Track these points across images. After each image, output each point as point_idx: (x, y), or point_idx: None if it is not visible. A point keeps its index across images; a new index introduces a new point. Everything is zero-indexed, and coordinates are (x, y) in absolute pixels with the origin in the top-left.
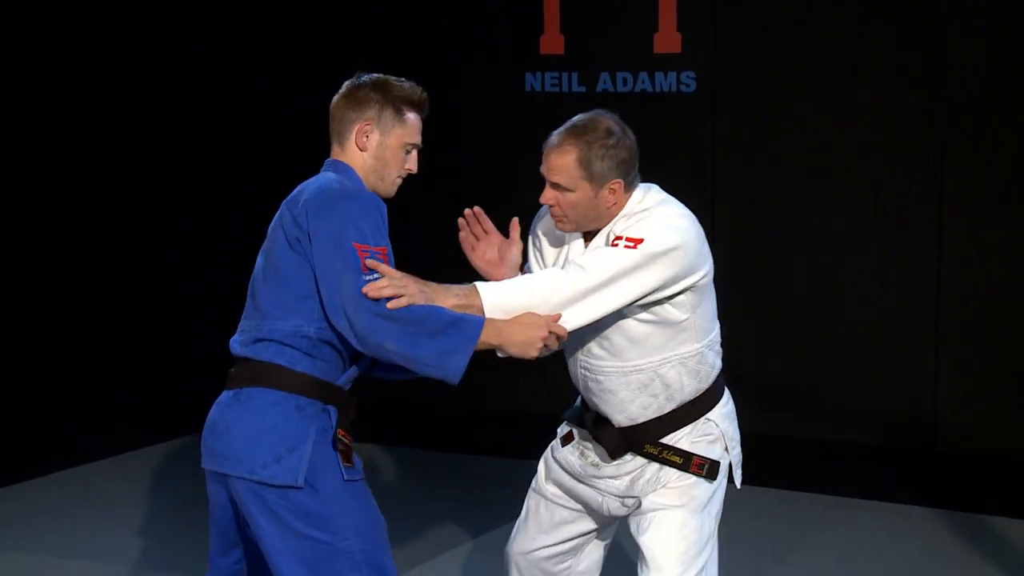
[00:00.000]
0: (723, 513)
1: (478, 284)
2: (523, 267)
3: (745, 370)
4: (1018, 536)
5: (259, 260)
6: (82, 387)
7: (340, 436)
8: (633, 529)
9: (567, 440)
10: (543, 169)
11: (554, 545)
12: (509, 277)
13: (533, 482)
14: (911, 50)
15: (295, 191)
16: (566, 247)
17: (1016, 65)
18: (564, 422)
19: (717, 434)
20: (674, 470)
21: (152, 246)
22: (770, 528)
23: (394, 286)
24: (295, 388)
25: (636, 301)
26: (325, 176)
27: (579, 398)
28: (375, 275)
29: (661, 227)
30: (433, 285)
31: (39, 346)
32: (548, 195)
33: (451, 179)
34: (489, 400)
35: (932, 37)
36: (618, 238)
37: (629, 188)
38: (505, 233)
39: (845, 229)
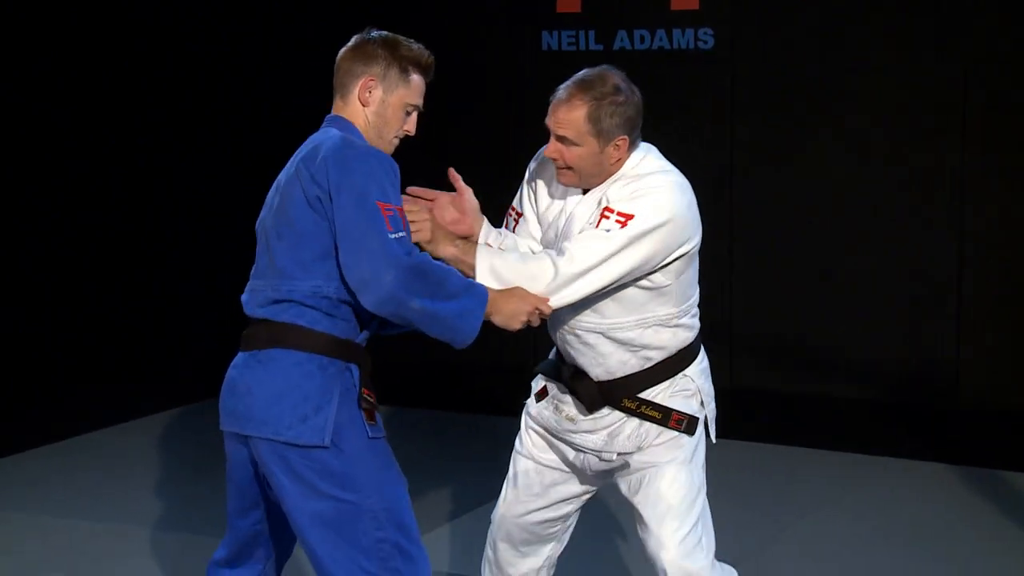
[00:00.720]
0: (740, 472)
1: (479, 246)
2: (510, 211)
3: (765, 327)
4: None
5: (268, 217)
6: (98, 351)
7: (365, 395)
8: (624, 490)
9: (542, 396)
10: (550, 122)
11: (547, 507)
12: (477, 225)
13: (517, 444)
14: (932, 5)
15: (307, 148)
16: (563, 201)
17: None
18: (537, 376)
19: (694, 389)
20: (654, 426)
21: (166, 215)
22: (787, 486)
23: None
24: (316, 348)
25: (623, 278)
26: (332, 132)
27: (554, 352)
28: (400, 233)
29: (652, 203)
30: (440, 229)
31: (56, 311)
32: (553, 148)
33: (468, 137)
34: (503, 357)
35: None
36: (608, 210)
37: (632, 146)
38: (447, 189)
39: (866, 185)
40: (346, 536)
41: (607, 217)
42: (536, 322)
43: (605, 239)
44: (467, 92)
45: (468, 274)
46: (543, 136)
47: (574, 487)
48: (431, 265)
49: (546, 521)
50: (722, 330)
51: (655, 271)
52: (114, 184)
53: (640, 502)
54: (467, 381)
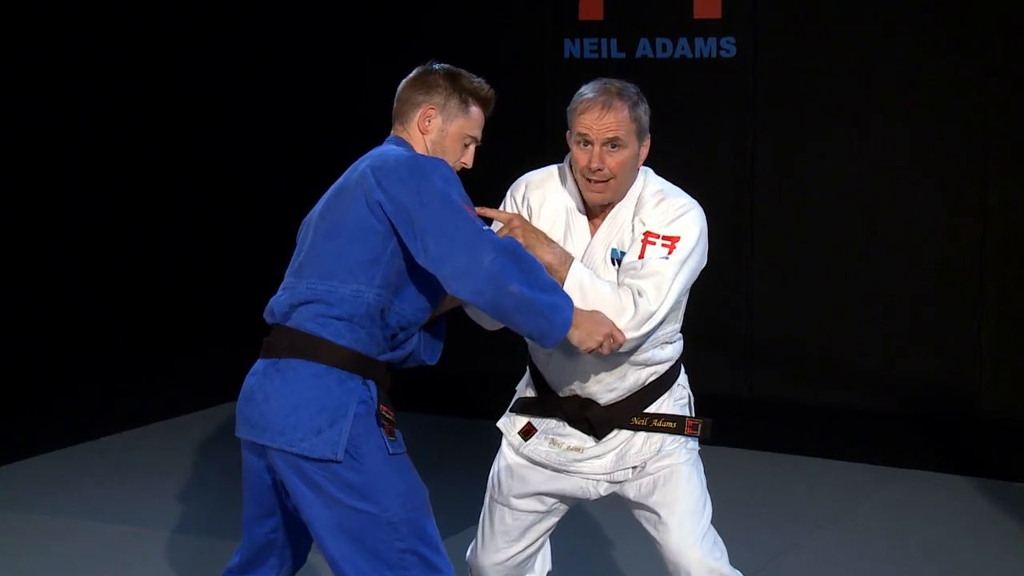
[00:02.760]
0: (756, 482)
1: (576, 261)
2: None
3: (781, 338)
4: None
5: (318, 217)
6: (119, 354)
7: (383, 411)
8: (633, 494)
9: (528, 434)
10: (592, 131)
11: (524, 549)
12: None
13: (491, 490)
14: (954, 11)
15: (373, 157)
16: (563, 220)
17: None
18: (510, 415)
19: (687, 397)
20: (659, 435)
21: (192, 217)
22: (803, 498)
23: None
24: (337, 361)
25: (676, 305)
26: (393, 148)
27: (528, 389)
28: (486, 227)
29: (688, 222)
30: (540, 233)
31: (78, 314)
32: (597, 159)
33: (489, 146)
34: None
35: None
36: (652, 235)
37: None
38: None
39: (887, 193)
40: (367, 546)
41: (652, 243)
42: (607, 350)
43: (664, 269)
44: None
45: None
46: (564, 141)
47: (551, 520)
48: (524, 251)
49: (524, 560)
50: (741, 339)
51: None
52: (135, 186)
53: (657, 503)
54: (483, 387)
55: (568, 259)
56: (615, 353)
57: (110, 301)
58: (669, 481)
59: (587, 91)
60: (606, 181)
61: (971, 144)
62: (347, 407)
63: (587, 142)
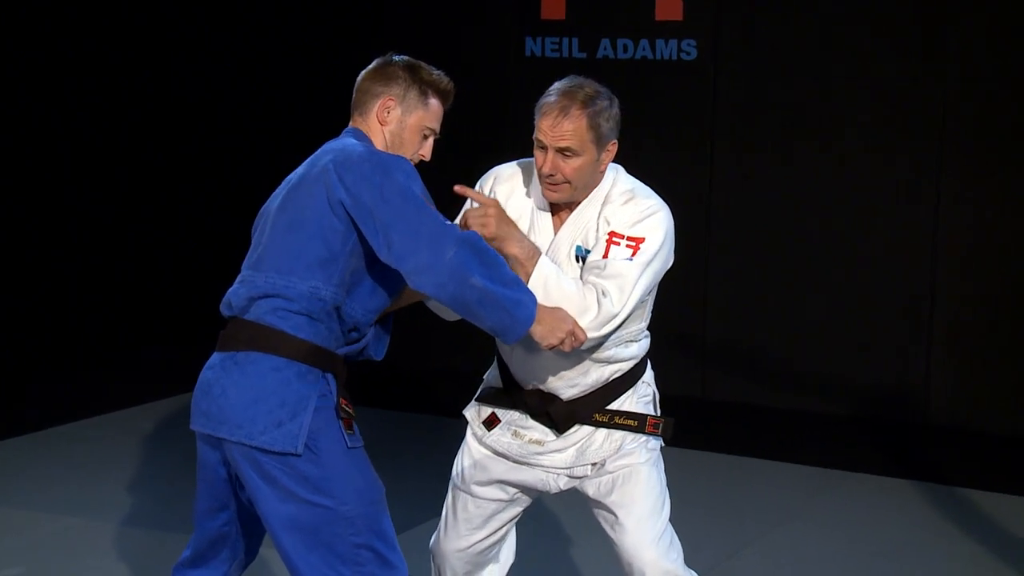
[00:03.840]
0: (710, 483)
1: (544, 257)
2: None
3: (737, 340)
4: (1003, 511)
5: (276, 211)
6: (69, 344)
7: (343, 405)
8: (592, 491)
9: (492, 423)
10: (548, 137)
11: (487, 537)
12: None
13: (455, 477)
14: (914, 22)
15: (335, 153)
16: (528, 217)
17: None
18: (475, 404)
19: (651, 395)
20: (628, 432)
21: (148, 209)
22: (757, 498)
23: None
24: (296, 355)
25: (638, 305)
26: (352, 142)
27: (494, 378)
28: (448, 222)
29: (654, 224)
30: (512, 226)
31: (28, 304)
32: (551, 164)
33: (450, 142)
34: (458, 362)
35: (936, 10)
36: (616, 235)
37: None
38: None
39: (843, 202)
40: (322, 541)
41: (617, 244)
42: (568, 348)
43: (627, 271)
44: None
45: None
46: (525, 139)
47: (514, 510)
48: (486, 245)
49: (487, 548)
50: (695, 342)
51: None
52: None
53: (615, 503)
54: (433, 383)
55: (536, 254)
56: (576, 351)
57: (60, 290)
58: (628, 481)
59: (552, 93)
60: (560, 184)
61: (927, 153)
62: (308, 400)
63: (543, 146)
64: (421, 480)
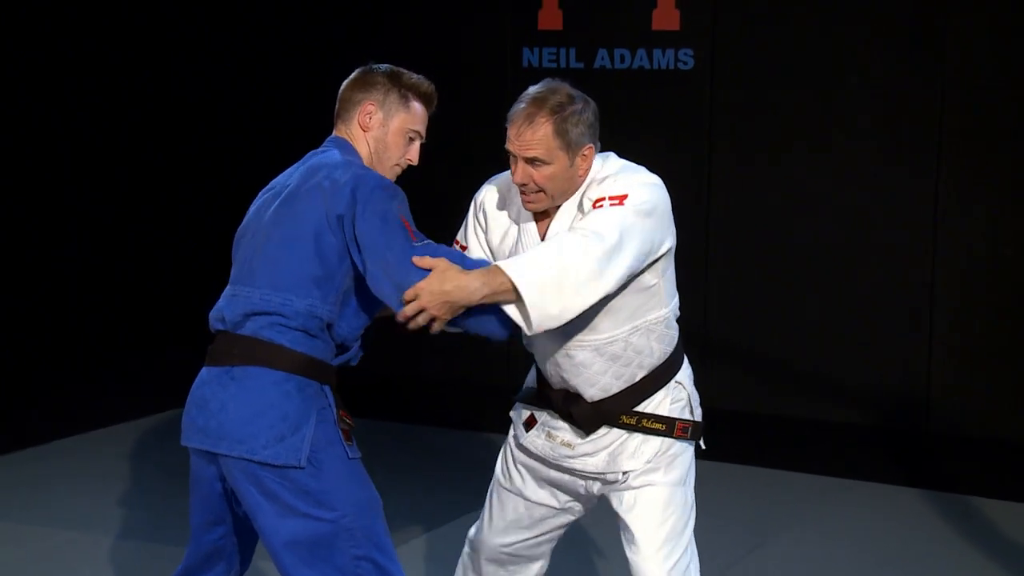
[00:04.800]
0: (713, 492)
1: (501, 263)
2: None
3: (740, 348)
4: (1007, 518)
5: (266, 224)
6: (67, 360)
7: (343, 416)
8: (616, 504)
9: (530, 425)
10: (514, 147)
11: (535, 537)
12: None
13: (501, 477)
14: (910, 28)
15: (329, 168)
16: (515, 228)
17: (1019, 51)
18: (517, 406)
19: (685, 398)
20: (659, 439)
21: (138, 225)
22: (759, 507)
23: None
24: (295, 368)
25: (633, 267)
26: (336, 154)
27: (532, 379)
28: (425, 241)
29: (638, 184)
30: (460, 277)
31: (26, 319)
32: (521, 174)
33: (448, 154)
34: (476, 372)
35: (932, 15)
36: (600, 200)
37: (595, 153)
38: None
39: (841, 207)
40: (321, 555)
41: (600, 206)
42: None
43: (618, 212)
44: (447, 108)
45: (504, 294)
46: None
47: (565, 518)
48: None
49: (536, 544)
50: (697, 350)
51: (644, 270)
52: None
53: (634, 521)
54: (437, 395)
55: (495, 270)
56: (592, 341)
57: (57, 306)
58: (651, 501)
59: (522, 99)
60: (535, 193)
61: (926, 157)
62: (309, 413)
63: (514, 156)
64: (414, 491)
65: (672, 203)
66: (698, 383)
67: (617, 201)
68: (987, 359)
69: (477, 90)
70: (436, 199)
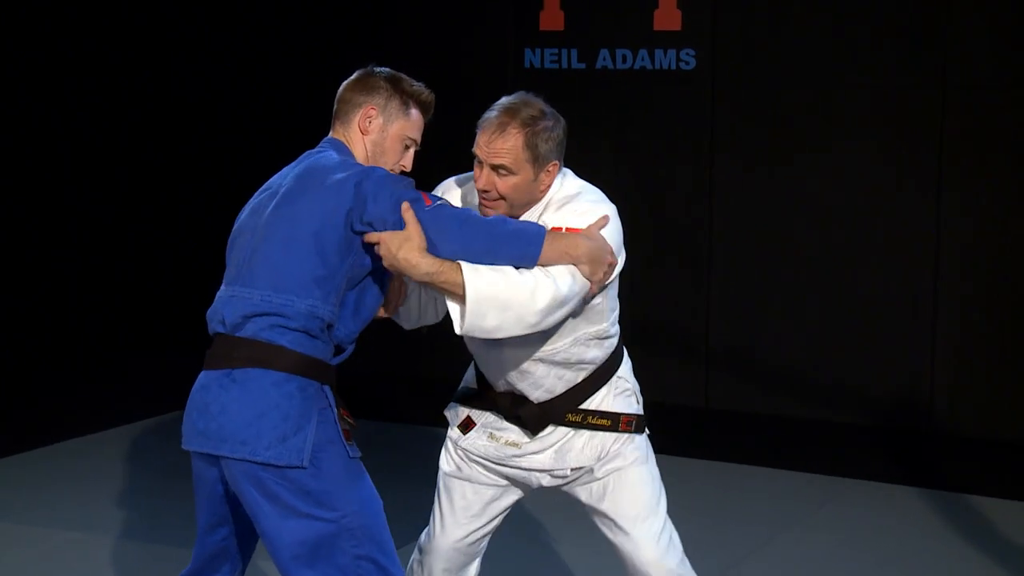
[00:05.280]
0: (713, 492)
1: (463, 264)
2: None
3: (742, 349)
4: (1009, 518)
5: (269, 226)
6: (69, 362)
7: (344, 416)
8: (585, 497)
9: (467, 427)
10: (483, 153)
11: (484, 526)
12: (404, 288)
13: (446, 468)
14: (911, 29)
15: (322, 169)
16: None
17: (1020, 47)
18: (453, 405)
19: (630, 389)
20: (608, 435)
21: (138, 226)
22: (761, 506)
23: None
24: (296, 368)
25: (582, 306)
26: (331, 155)
27: (471, 379)
28: (439, 201)
29: (594, 219)
30: (414, 253)
31: (27, 321)
32: (486, 180)
33: (449, 155)
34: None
35: (933, 16)
36: (556, 229)
37: (559, 170)
38: None
39: (843, 208)
40: (323, 555)
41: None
42: (608, 277)
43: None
44: (448, 108)
45: (453, 291)
46: None
47: (511, 498)
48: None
49: (481, 538)
50: (698, 350)
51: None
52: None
53: (609, 508)
54: (433, 394)
55: (454, 263)
56: (537, 350)
57: (57, 308)
58: (620, 485)
59: (495, 108)
60: (496, 200)
61: (927, 161)
62: (311, 413)
63: (480, 161)
64: (410, 491)
65: (673, 202)
66: (698, 384)
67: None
68: (989, 359)
69: (479, 90)
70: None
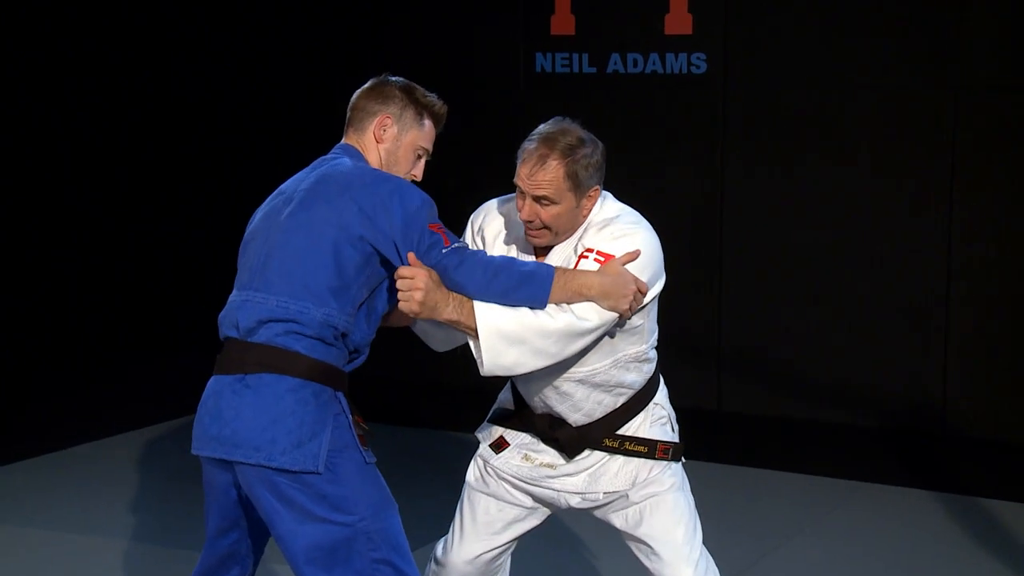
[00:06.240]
0: (725, 496)
1: (476, 304)
2: None
3: (754, 352)
4: (1021, 520)
5: (287, 232)
6: (82, 366)
7: (359, 422)
8: (621, 523)
9: (500, 447)
10: (524, 184)
11: (502, 546)
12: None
13: (473, 481)
14: (923, 31)
15: (340, 177)
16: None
17: None
18: (488, 426)
19: (665, 416)
20: (643, 462)
21: (147, 231)
22: (774, 510)
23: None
24: (310, 375)
25: (609, 333)
26: (345, 162)
27: (506, 400)
28: (457, 243)
29: (630, 242)
30: (442, 292)
31: (41, 325)
32: (529, 211)
33: (460, 159)
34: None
35: (945, 18)
36: (588, 250)
37: (600, 193)
38: None
39: (855, 212)
40: (340, 559)
41: (586, 258)
42: (637, 303)
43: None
44: (459, 113)
45: (469, 328)
46: None
47: (534, 521)
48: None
49: (498, 556)
50: (710, 353)
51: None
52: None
53: (647, 534)
54: (447, 400)
55: (468, 303)
56: (576, 374)
57: (71, 312)
58: (656, 511)
59: (533, 138)
60: (540, 229)
61: (939, 163)
62: (326, 419)
63: (522, 192)
64: (427, 495)
65: (684, 207)
66: (710, 387)
67: (602, 261)
68: (1001, 362)
69: (489, 95)
70: (447, 200)
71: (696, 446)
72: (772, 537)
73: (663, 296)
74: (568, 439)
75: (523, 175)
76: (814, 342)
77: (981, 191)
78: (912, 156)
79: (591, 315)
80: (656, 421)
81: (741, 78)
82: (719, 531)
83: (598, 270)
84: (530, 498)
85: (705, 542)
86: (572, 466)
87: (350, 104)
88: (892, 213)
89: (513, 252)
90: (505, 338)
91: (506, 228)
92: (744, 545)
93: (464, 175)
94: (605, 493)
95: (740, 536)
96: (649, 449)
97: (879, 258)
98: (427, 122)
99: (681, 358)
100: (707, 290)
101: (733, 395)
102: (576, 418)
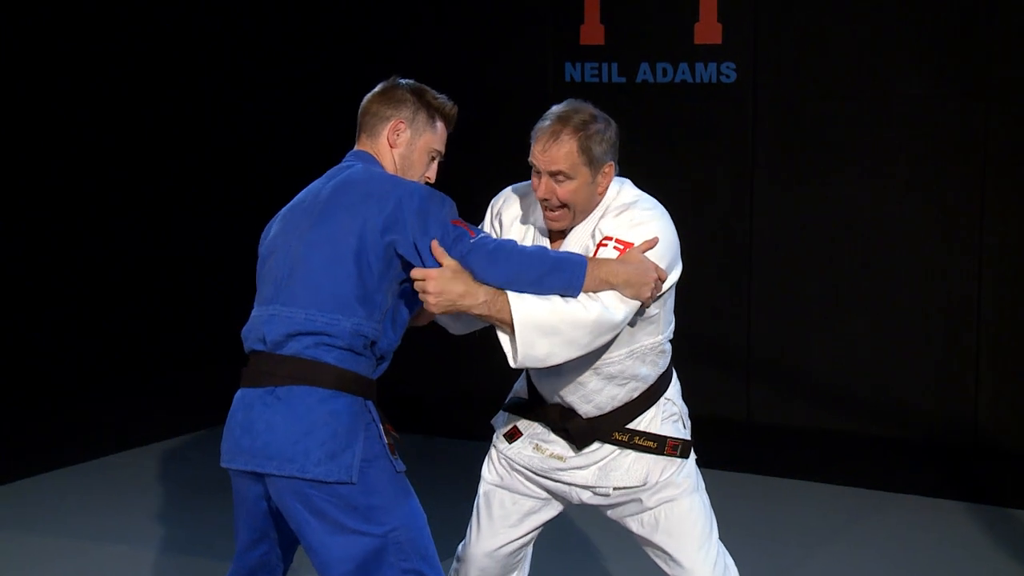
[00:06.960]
0: (754, 505)
1: (509, 294)
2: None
3: (784, 362)
4: None
5: (310, 244)
6: (110, 377)
7: (389, 431)
8: (637, 528)
9: (513, 437)
10: (539, 161)
11: (521, 537)
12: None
13: (488, 476)
14: (954, 41)
15: (358, 184)
16: (529, 242)
17: None
18: (501, 414)
19: (677, 413)
20: (652, 457)
21: (177, 242)
22: (803, 520)
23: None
24: (341, 386)
25: (632, 320)
26: (359, 168)
27: (522, 389)
28: (481, 234)
29: (648, 230)
30: (471, 283)
31: (69, 336)
32: (545, 188)
33: (489, 168)
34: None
35: (975, 28)
36: (607, 238)
37: (615, 172)
38: None
39: (885, 223)
40: (371, 570)
41: (605, 246)
42: (657, 291)
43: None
44: (488, 123)
45: (502, 320)
46: None
47: (549, 513)
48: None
49: (518, 549)
50: (740, 363)
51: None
52: (135, 187)
53: (663, 540)
54: (455, 408)
55: (501, 299)
56: (589, 365)
57: (100, 323)
58: (672, 516)
59: (546, 117)
60: (558, 209)
61: (970, 174)
62: (358, 429)
63: (538, 171)
64: (449, 505)
65: (713, 216)
66: (740, 397)
67: (621, 249)
68: None
69: (519, 104)
70: (477, 210)
71: (726, 455)
72: (801, 547)
73: (693, 303)
74: (578, 430)
75: (537, 152)
76: (844, 354)
77: (1014, 202)
78: (943, 166)
79: (619, 306)
80: (668, 417)
81: (770, 87)
82: (749, 541)
83: (619, 258)
84: (543, 491)
85: (734, 552)
86: (582, 459)
87: (361, 109)
88: (923, 224)
89: (530, 235)
90: (539, 328)
91: (522, 212)
92: (773, 555)
93: (494, 185)
94: (615, 489)
95: (769, 546)
96: (658, 445)
97: (910, 268)
98: (439, 124)
99: (712, 369)
100: (737, 299)
101: (763, 406)
102: (586, 409)
